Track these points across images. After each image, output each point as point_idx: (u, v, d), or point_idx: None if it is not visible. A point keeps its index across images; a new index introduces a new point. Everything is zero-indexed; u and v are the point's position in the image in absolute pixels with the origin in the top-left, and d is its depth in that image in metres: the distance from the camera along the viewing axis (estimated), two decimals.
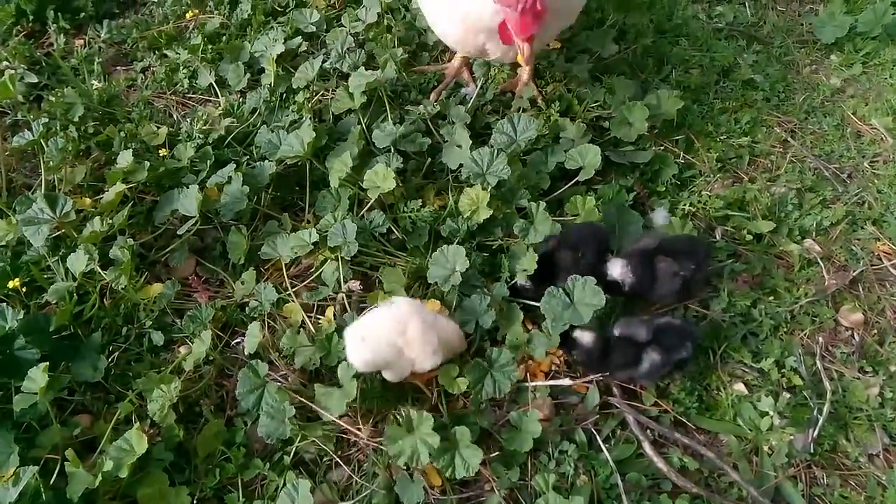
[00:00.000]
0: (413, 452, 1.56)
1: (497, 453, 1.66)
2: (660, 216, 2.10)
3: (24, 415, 1.68)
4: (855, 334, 1.91)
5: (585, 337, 1.75)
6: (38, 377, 1.60)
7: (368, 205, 2.06)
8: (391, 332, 1.63)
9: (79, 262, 1.85)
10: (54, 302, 1.90)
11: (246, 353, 1.80)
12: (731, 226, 2.12)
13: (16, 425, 1.70)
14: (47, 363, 1.64)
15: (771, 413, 1.71)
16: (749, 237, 2.08)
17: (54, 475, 1.60)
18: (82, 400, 1.81)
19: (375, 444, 1.68)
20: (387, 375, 1.69)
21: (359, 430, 1.70)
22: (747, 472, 1.66)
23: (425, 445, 1.55)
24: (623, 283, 1.82)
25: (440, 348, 1.66)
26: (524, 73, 2.41)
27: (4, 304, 1.85)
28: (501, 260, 1.96)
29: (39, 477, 1.56)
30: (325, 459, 1.71)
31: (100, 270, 1.93)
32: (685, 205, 2.15)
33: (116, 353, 1.87)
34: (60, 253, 1.99)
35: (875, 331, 1.93)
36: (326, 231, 1.95)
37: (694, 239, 1.96)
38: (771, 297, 1.96)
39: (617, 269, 1.83)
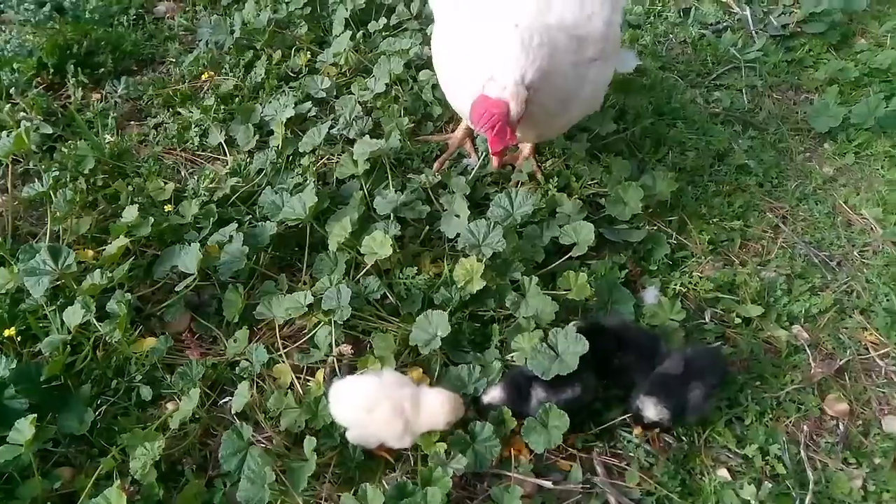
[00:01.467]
0: None
1: None
2: (650, 295, 2.13)
3: (6, 465, 1.68)
4: (840, 424, 1.92)
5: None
6: (24, 429, 1.61)
7: (365, 270, 2.10)
8: (359, 405, 1.73)
9: (75, 315, 1.88)
10: (47, 353, 1.92)
11: (232, 413, 1.81)
12: (721, 308, 2.15)
13: None
14: (35, 415, 1.65)
15: (753, 502, 1.70)
16: (738, 320, 2.11)
17: None
18: (66, 452, 1.82)
19: None
20: (353, 440, 1.74)
21: (338, 497, 1.70)
22: None
23: None
24: (661, 421, 1.81)
25: (411, 431, 1.72)
26: (525, 148, 2.48)
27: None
28: (493, 329, 1.98)
29: None
30: None
31: (95, 322, 1.96)
32: (676, 285, 2.18)
33: (104, 407, 1.88)
34: (58, 303, 2.02)
35: (860, 421, 1.93)
36: (321, 294, 1.98)
37: (714, 352, 1.98)
38: (758, 383, 1.97)
39: (650, 408, 1.80)
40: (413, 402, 1.72)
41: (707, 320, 2.11)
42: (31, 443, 1.61)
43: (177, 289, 2.05)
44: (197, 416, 1.85)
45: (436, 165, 2.47)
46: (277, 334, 2.02)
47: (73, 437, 1.83)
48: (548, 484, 1.72)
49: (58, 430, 1.82)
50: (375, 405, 1.70)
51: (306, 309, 1.99)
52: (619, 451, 1.83)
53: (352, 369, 1.93)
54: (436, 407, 1.73)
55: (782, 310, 2.15)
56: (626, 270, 2.20)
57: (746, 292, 2.18)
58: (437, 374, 1.91)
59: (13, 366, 1.79)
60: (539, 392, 1.80)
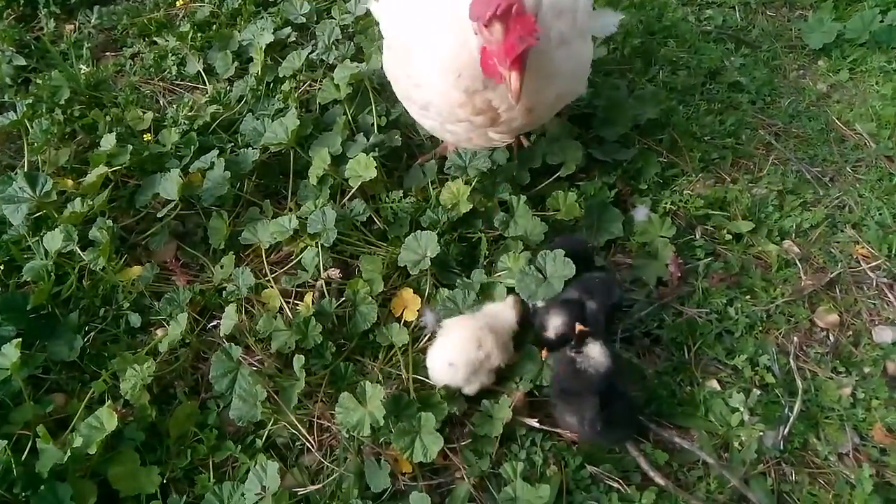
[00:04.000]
0: (359, 424, 1.58)
1: (468, 441, 1.66)
2: (641, 213, 2.11)
3: None
4: (830, 335, 1.92)
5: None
6: (10, 353, 1.60)
7: (350, 194, 2.07)
8: (471, 350, 1.68)
9: (54, 240, 1.85)
10: (32, 281, 1.90)
11: (221, 335, 1.80)
12: (711, 225, 2.13)
13: None
14: (20, 339, 1.64)
15: (742, 409, 1.71)
16: (728, 237, 2.09)
17: (26, 451, 1.60)
18: (57, 379, 1.82)
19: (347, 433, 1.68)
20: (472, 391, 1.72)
21: (332, 415, 1.71)
22: (715, 468, 1.66)
23: (371, 418, 1.57)
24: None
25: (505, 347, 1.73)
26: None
27: None
28: (481, 248, 1.97)
29: (11, 452, 1.57)
30: (297, 444, 1.71)
31: (79, 251, 1.94)
32: (666, 203, 2.16)
33: (93, 334, 1.88)
34: (41, 234, 1.99)
35: (850, 332, 1.93)
36: (307, 218, 1.96)
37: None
38: (748, 297, 1.97)
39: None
40: (491, 320, 1.75)
41: (697, 237, 2.09)
42: (18, 367, 1.60)
43: (159, 215, 2.01)
44: (187, 341, 1.84)
45: (420, 159, 2.33)
46: (264, 260, 2.00)
47: (64, 364, 1.83)
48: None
49: (48, 358, 1.81)
50: (479, 344, 1.69)
51: (292, 233, 1.96)
52: None
53: (340, 293, 1.92)
54: (508, 313, 1.78)
55: (773, 225, 2.14)
56: (616, 190, 2.17)
57: (737, 209, 2.16)
58: (427, 294, 1.90)
59: None
60: None
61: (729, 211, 2.16)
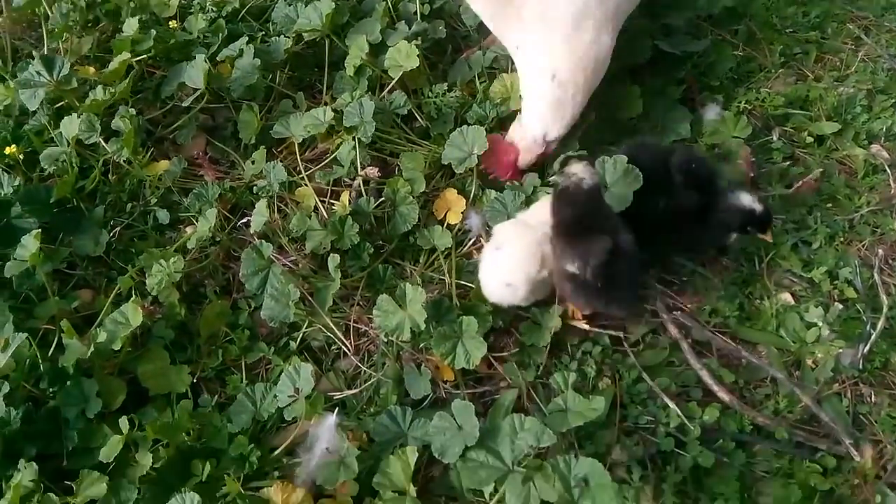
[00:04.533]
0: (398, 327, 1.46)
1: (515, 350, 1.54)
2: (711, 112, 1.90)
3: (21, 285, 1.61)
4: None
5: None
6: (29, 244, 1.52)
7: (390, 86, 1.90)
8: (532, 268, 1.48)
9: (72, 125, 1.74)
10: (56, 175, 1.80)
11: (252, 233, 1.69)
12: (791, 126, 1.92)
13: (14, 296, 1.63)
14: (39, 230, 1.55)
15: (819, 324, 1.56)
16: (809, 139, 1.88)
17: (52, 347, 1.54)
18: (84, 275, 1.74)
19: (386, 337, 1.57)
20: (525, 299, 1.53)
21: (369, 319, 1.60)
22: (786, 385, 1.52)
23: (411, 322, 1.45)
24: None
25: None
26: None
27: (5, 174, 1.77)
28: None
29: (37, 348, 1.50)
30: (332, 348, 1.61)
31: (103, 143, 1.83)
32: (741, 101, 1.94)
33: (119, 229, 1.78)
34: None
35: None
36: (343, 110, 1.80)
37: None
38: (829, 205, 1.78)
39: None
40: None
41: (775, 139, 1.88)
42: (38, 258, 1.51)
43: (185, 104, 1.88)
44: (216, 239, 1.74)
45: (466, 52, 2.10)
46: (298, 156, 1.86)
47: (90, 260, 1.75)
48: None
49: (73, 253, 1.73)
50: (541, 261, 1.48)
51: (327, 127, 1.81)
52: (672, 279, 1.68)
53: (378, 194, 1.77)
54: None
55: (860, 127, 1.92)
56: (685, 86, 1.96)
57: (821, 109, 1.94)
58: (472, 196, 1.75)
59: (16, 183, 1.68)
60: None
61: (811, 111, 1.94)
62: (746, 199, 1.54)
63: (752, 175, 1.75)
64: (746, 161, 1.75)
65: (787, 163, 1.84)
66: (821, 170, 1.79)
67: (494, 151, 1.71)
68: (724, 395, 1.47)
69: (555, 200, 1.46)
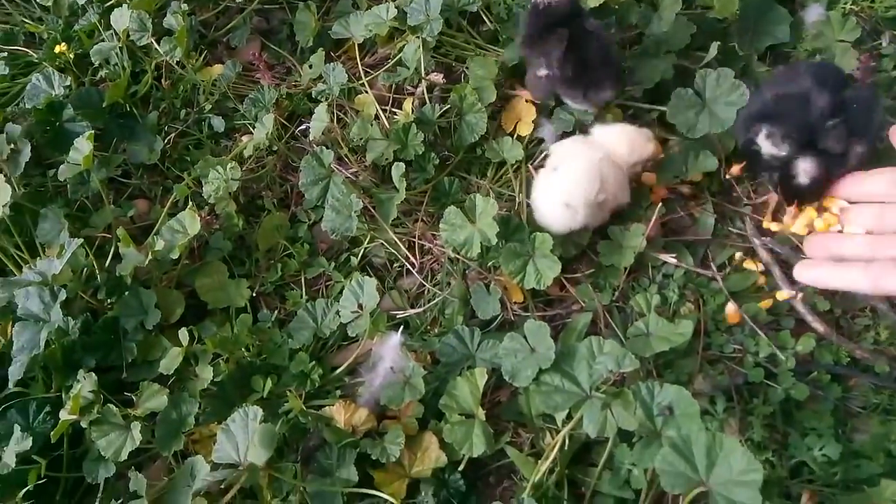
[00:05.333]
0: (466, 242, 1.36)
1: (590, 271, 1.44)
2: (813, 13, 1.68)
3: (76, 192, 1.57)
4: None
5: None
6: (83, 146, 1.46)
7: None
8: (592, 190, 1.35)
9: (122, 18, 1.65)
10: (105, 76, 1.73)
11: (311, 140, 1.60)
12: None
13: (68, 204, 1.59)
14: (92, 132, 1.48)
15: None
16: None
17: (109, 257, 1.50)
18: (139, 184, 1.69)
19: (452, 253, 1.48)
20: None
21: (433, 236, 1.51)
22: (888, 316, 1.38)
23: (481, 236, 1.35)
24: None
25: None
26: None
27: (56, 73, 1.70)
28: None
29: (95, 258, 1.47)
30: (395, 265, 1.54)
31: (154, 44, 1.74)
32: (847, 3, 1.72)
33: (173, 136, 1.72)
34: None
35: None
36: (406, 8, 1.66)
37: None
38: None
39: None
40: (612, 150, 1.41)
41: (885, 44, 1.67)
42: (91, 161, 1.46)
43: (237, 2, 1.76)
44: (274, 148, 1.65)
45: None
46: (358, 61, 1.74)
47: (145, 168, 1.70)
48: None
49: (128, 161, 1.68)
50: (601, 183, 1.35)
51: (389, 26, 1.68)
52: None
53: (443, 100, 1.65)
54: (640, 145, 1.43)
55: None
56: None
57: None
58: (551, 110, 1.60)
59: (67, 83, 1.61)
60: None
61: None
62: None
63: (869, 81, 1.55)
64: (864, 64, 1.55)
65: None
66: None
67: None
68: (818, 326, 1.34)
69: (526, 15, 1.43)
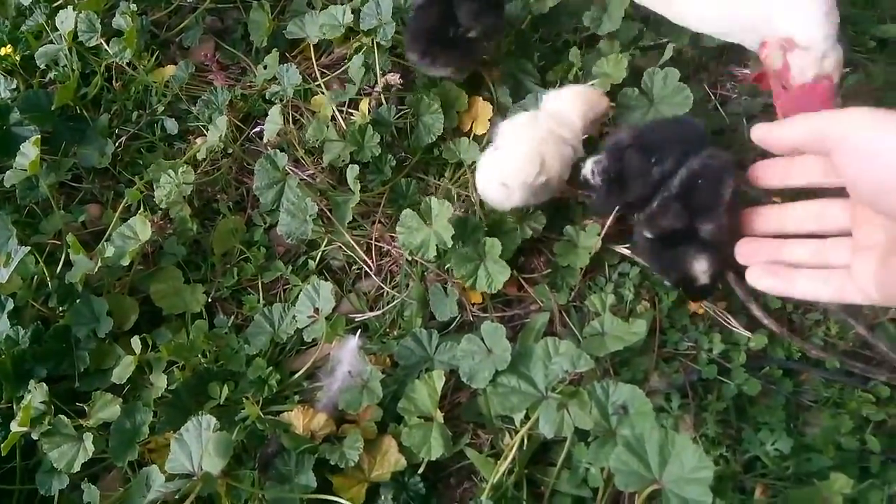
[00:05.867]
0: (423, 245, 1.36)
1: (547, 272, 1.45)
2: None
3: (24, 197, 1.53)
4: None
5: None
6: (29, 151, 1.42)
7: None
8: (530, 171, 1.32)
9: (68, 20, 1.61)
10: (54, 77, 1.70)
11: (265, 143, 1.58)
12: (853, 30, 1.74)
13: (17, 210, 1.56)
14: (38, 136, 1.45)
15: None
16: (872, 44, 1.71)
17: (60, 265, 1.47)
18: (91, 188, 1.65)
19: (410, 256, 1.48)
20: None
21: (392, 237, 1.51)
22: (837, 312, 1.42)
23: (437, 238, 1.35)
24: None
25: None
26: None
27: (2, 77, 1.66)
28: (571, 53, 1.63)
29: (45, 265, 1.44)
30: (353, 268, 1.53)
31: (104, 44, 1.70)
32: None
33: (124, 139, 1.68)
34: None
35: None
36: (360, 10, 1.65)
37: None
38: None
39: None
40: (558, 124, 1.37)
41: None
42: (37, 165, 1.42)
43: (189, 1, 1.73)
44: (228, 151, 1.63)
45: None
46: (314, 62, 1.72)
47: (96, 172, 1.66)
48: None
49: (78, 164, 1.64)
50: (540, 164, 1.32)
51: (345, 28, 1.67)
52: None
53: (400, 101, 1.65)
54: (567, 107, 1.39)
55: None
56: None
57: (886, 8, 1.75)
58: (497, 103, 1.61)
59: (13, 86, 1.57)
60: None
61: (875, 11, 1.76)
62: None
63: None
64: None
65: (847, 69, 1.67)
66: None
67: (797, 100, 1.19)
68: (772, 326, 1.37)
69: None
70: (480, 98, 1.63)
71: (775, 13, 1.13)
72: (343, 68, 1.72)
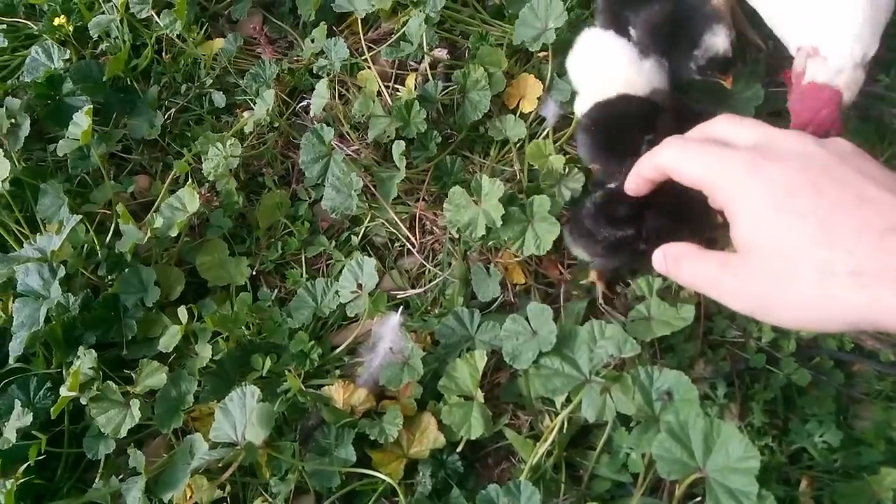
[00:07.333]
0: (471, 223, 1.34)
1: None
2: None
3: (76, 167, 1.56)
4: None
5: None
6: (81, 121, 1.44)
7: None
8: None
9: None
10: (106, 49, 1.72)
11: (311, 117, 1.58)
12: None
13: (69, 179, 1.59)
14: (91, 107, 1.47)
15: None
16: None
17: (110, 234, 1.50)
18: (140, 160, 1.67)
19: (453, 234, 1.47)
20: None
21: (435, 215, 1.50)
22: None
23: (486, 218, 1.32)
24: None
25: None
26: None
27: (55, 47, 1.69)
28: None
29: (95, 234, 1.47)
30: (396, 245, 1.52)
31: (155, 16, 1.71)
32: None
33: (173, 111, 1.70)
34: None
35: None
36: None
37: None
38: None
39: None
40: None
41: None
42: (89, 135, 1.44)
43: None
44: (275, 125, 1.63)
45: None
46: (361, 36, 1.71)
47: (146, 144, 1.68)
48: None
49: (128, 136, 1.66)
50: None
51: (392, 1, 1.65)
52: None
53: (447, 77, 1.62)
54: None
55: None
56: None
57: None
58: (549, 81, 1.58)
59: (66, 56, 1.59)
60: None
61: None
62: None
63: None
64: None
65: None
66: None
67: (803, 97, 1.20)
68: None
69: None
70: (530, 76, 1.60)
71: (815, 20, 1.15)
72: (389, 42, 1.71)
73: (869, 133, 1.48)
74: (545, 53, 1.59)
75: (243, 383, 1.16)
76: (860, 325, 0.63)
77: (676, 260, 0.82)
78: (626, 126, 1.25)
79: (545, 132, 1.55)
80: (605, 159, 1.30)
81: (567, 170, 1.42)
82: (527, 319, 1.24)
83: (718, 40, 1.29)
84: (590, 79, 1.38)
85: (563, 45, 1.51)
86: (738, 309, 0.74)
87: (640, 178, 0.90)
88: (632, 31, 1.33)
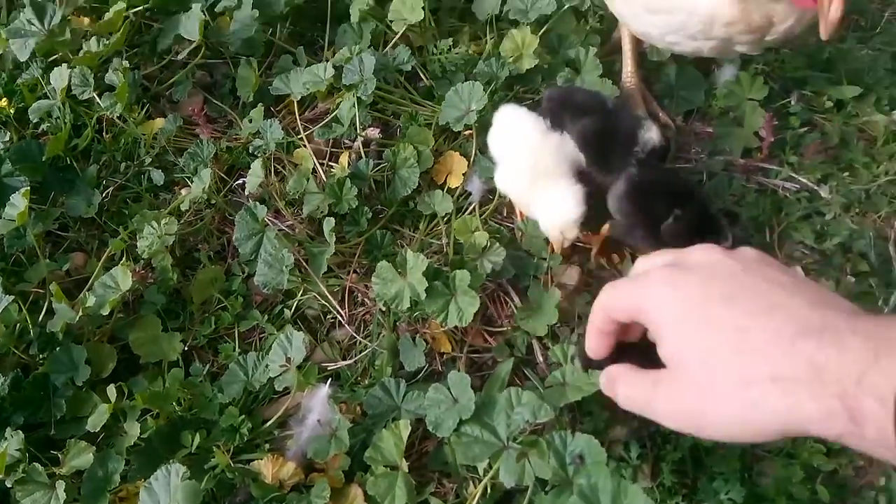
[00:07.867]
0: (397, 296, 1.41)
1: (514, 324, 1.50)
2: (727, 73, 1.81)
3: (11, 246, 1.59)
4: None
5: None
6: (18, 202, 1.48)
7: (393, 41, 1.82)
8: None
9: (62, 77, 1.68)
10: (47, 129, 1.77)
11: (247, 195, 1.64)
12: (811, 90, 1.82)
13: (3, 258, 1.61)
14: (28, 188, 1.51)
15: None
16: (829, 104, 1.79)
17: (42, 313, 1.51)
18: (76, 237, 1.70)
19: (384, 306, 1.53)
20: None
21: (366, 287, 1.56)
22: None
23: (411, 291, 1.39)
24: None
25: None
26: None
27: None
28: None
29: (28, 313, 1.48)
30: (328, 317, 1.58)
31: (97, 99, 1.77)
32: (759, 63, 1.85)
33: (111, 189, 1.74)
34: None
35: None
36: (343, 66, 1.73)
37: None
38: (846, 174, 1.69)
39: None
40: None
41: (793, 102, 1.79)
42: (25, 216, 1.48)
43: (179, 57, 1.82)
44: (212, 202, 1.69)
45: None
46: (297, 116, 1.80)
47: (83, 222, 1.72)
48: None
49: (65, 214, 1.70)
50: None
51: (327, 84, 1.74)
52: None
53: (379, 155, 1.72)
54: None
55: (883, 92, 1.81)
56: None
57: (843, 71, 1.84)
58: (472, 158, 1.68)
59: (6, 138, 1.64)
60: None
61: (833, 73, 1.85)
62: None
63: (771, 140, 1.66)
64: (767, 125, 1.65)
65: (804, 129, 1.75)
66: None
67: None
68: None
69: None
70: (456, 153, 1.70)
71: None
72: (325, 122, 1.80)
73: (766, 205, 1.62)
74: (470, 132, 1.70)
75: (170, 461, 1.18)
76: (788, 432, 0.63)
77: (613, 382, 0.82)
78: None
79: (471, 206, 1.65)
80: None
81: (490, 244, 1.51)
82: (448, 388, 1.29)
83: (652, 134, 1.44)
84: (504, 149, 1.50)
85: (485, 125, 1.63)
86: (674, 428, 0.75)
87: (597, 335, 0.87)
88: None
